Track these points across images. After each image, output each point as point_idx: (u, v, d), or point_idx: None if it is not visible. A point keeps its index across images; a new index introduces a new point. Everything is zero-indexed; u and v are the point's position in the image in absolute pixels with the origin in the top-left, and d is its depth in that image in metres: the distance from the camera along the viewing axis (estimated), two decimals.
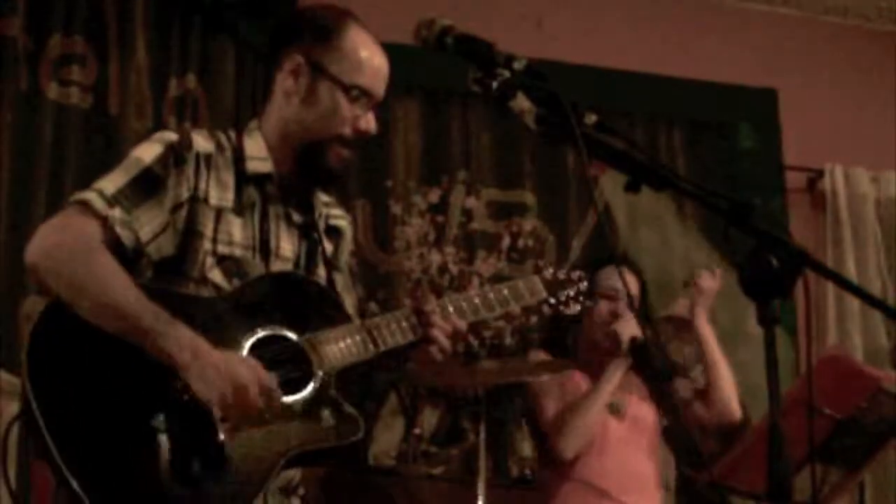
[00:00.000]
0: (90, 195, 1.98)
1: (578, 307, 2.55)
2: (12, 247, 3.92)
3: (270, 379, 1.92)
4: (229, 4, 4.52)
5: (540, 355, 3.34)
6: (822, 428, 3.18)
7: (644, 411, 3.30)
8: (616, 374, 3.20)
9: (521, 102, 1.56)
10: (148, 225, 1.98)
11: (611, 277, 3.27)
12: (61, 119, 4.24)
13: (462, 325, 2.19)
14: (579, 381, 3.28)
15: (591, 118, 1.54)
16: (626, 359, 3.21)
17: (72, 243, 1.93)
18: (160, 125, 4.39)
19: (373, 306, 4.58)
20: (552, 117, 1.55)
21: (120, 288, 1.89)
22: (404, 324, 2.12)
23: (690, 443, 4.04)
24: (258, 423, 1.92)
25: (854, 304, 5.12)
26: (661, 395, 3.32)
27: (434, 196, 4.81)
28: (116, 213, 1.95)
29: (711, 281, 3.34)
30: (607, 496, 3.15)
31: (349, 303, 2.27)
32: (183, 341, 1.87)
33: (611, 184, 4.84)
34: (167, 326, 1.87)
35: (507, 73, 1.58)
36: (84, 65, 4.33)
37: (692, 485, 4.11)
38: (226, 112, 4.48)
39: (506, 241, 4.84)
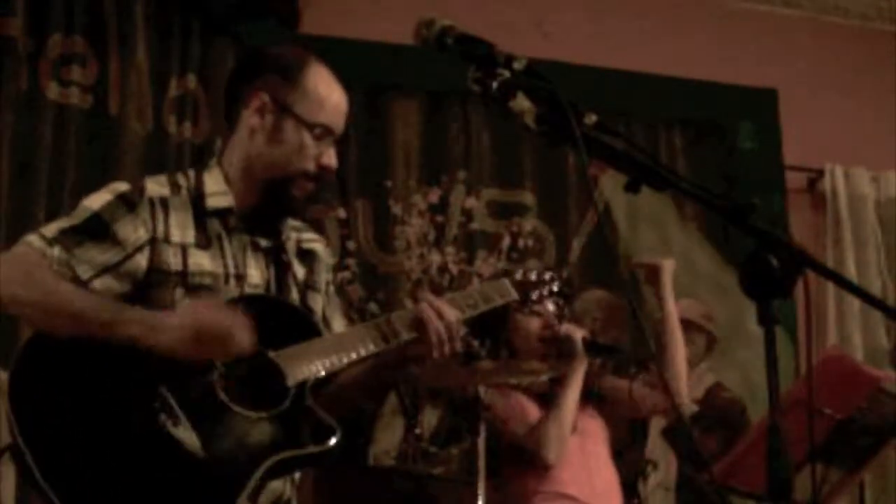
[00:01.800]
0: (31, 237, 2.04)
1: (552, 305, 2.56)
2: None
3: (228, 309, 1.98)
4: (229, 4, 4.52)
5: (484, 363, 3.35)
6: (822, 428, 3.18)
7: (591, 423, 3.33)
8: (579, 374, 3.23)
9: (521, 102, 1.56)
10: (87, 264, 2.02)
11: None
12: (61, 119, 4.24)
13: (457, 314, 2.19)
14: (521, 398, 3.31)
15: (591, 118, 1.54)
16: (583, 358, 3.23)
17: (15, 269, 1.98)
18: (160, 125, 4.39)
19: (373, 306, 4.58)
20: (552, 117, 1.55)
21: (66, 294, 1.95)
22: (374, 332, 2.15)
23: (690, 443, 4.05)
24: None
25: (854, 304, 5.13)
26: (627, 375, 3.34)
27: (434, 196, 4.82)
28: (55, 251, 2.01)
29: (661, 259, 3.40)
30: (575, 501, 3.17)
31: (338, 324, 2.31)
32: (137, 322, 1.93)
33: (611, 184, 4.84)
34: (119, 314, 1.94)
35: (506, 73, 1.58)
36: (84, 65, 4.32)
37: (692, 485, 4.11)
38: None
39: (506, 241, 4.85)
